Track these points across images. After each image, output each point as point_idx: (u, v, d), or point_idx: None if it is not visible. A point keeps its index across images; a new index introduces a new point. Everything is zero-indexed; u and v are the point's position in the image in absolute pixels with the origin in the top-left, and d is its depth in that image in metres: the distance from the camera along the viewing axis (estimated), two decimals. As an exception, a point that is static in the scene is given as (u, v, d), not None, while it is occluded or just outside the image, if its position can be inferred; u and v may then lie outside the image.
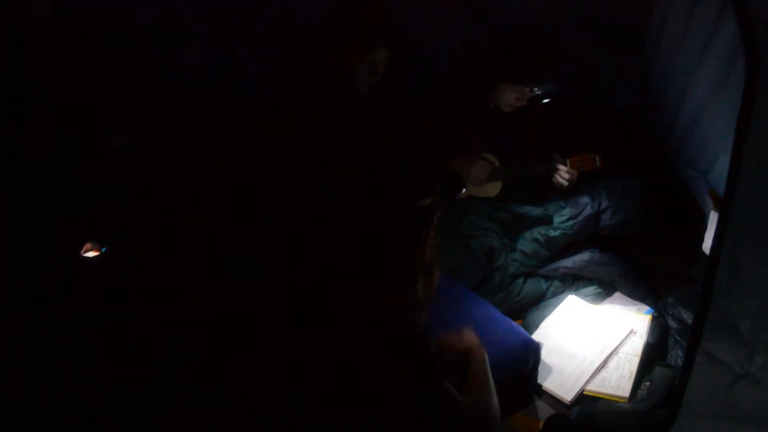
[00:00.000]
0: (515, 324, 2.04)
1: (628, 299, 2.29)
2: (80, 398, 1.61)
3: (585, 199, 2.47)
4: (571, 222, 2.43)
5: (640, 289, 2.30)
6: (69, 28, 2.08)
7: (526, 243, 2.41)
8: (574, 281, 2.37)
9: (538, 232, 2.42)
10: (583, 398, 1.94)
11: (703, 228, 2.17)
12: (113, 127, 2.18)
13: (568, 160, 2.45)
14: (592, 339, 2.09)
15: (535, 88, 2.34)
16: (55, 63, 2.05)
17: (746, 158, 1.10)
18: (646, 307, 2.23)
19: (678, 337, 2.09)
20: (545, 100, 2.41)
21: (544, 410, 1.93)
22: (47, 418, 1.58)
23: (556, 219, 2.45)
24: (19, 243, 1.93)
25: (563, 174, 2.43)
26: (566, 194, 2.52)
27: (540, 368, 2.00)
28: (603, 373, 1.99)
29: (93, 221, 2.07)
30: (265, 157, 2.20)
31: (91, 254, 2.05)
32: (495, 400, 1.46)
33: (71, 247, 2.03)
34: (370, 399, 1.32)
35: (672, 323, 2.15)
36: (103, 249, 2.08)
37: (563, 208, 2.47)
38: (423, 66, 2.47)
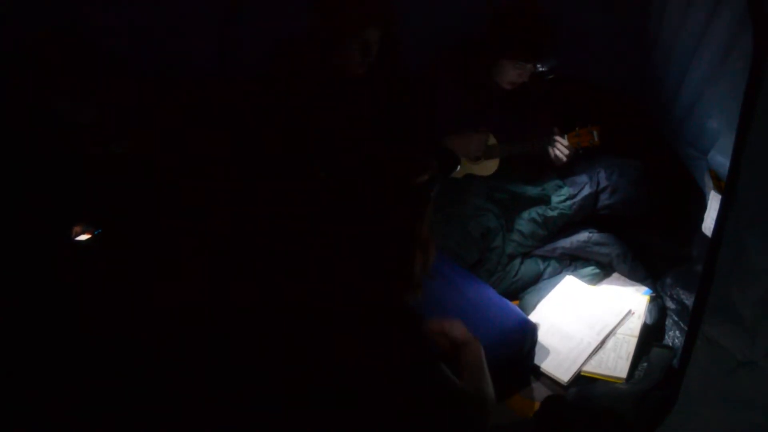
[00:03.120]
0: (512, 304, 2.02)
1: (626, 280, 2.28)
2: (76, 392, 1.59)
3: (583, 179, 2.44)
4: (569, 202, 2.41)
5: (638, 270, 2.28)
6: (63, 35, 2.03)
7: (523, 223, 2.39)
8: (571, 262, 2.35)
9: (535, 212, 2.40)
10: (581, 379, 1.94)
11: (703, 208, 2.15)
12: (113, 133, 2.15)
13: (566, 135, 2.43)
14: (589, 320, 2.08)
15: (537, 65, 2.31)
16: (51, 70, 2.00)
17: (751, 138, 1.07)
18: (644, 288, 2.22)
19: (676, 318, 2.09)
20: (546, 77, 2.38)
21: (541, 391, 1.93)
22: (43, 411, 1.57)
23: (554, 199, 2.43)
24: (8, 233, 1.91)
25: (562, 149, 2.40)
26: (564, 172, 2.50)
27: (537, 349, 1.99)
28: (600, 354, 1.98)
29: (84, 205, 2.04)
30: (261, 140, 2.18)
31: (83, 237, 2.02)
32: (490, 387, 1.44)
33: (61, 232, 2.00)
34: (365, 382, 1.30)
35: (670, 304, 2.14)
36: (96, 231, 2.05)
37: (561, 187, 2.45)
38: (422, 43, 2.43)
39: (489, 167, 2.50)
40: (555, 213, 2.39)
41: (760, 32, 1.05)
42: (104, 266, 1.95)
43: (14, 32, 2.03)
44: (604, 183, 2.41)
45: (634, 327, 2.04)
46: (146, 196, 2.13)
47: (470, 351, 1.53)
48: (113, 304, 1.81)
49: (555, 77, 2.41)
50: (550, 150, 2.43)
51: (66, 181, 2.00)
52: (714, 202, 2.07)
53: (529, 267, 2.32)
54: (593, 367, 1.95)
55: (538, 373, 1.97)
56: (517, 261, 2.33)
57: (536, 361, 1.98)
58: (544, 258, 2.35)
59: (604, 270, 2.32)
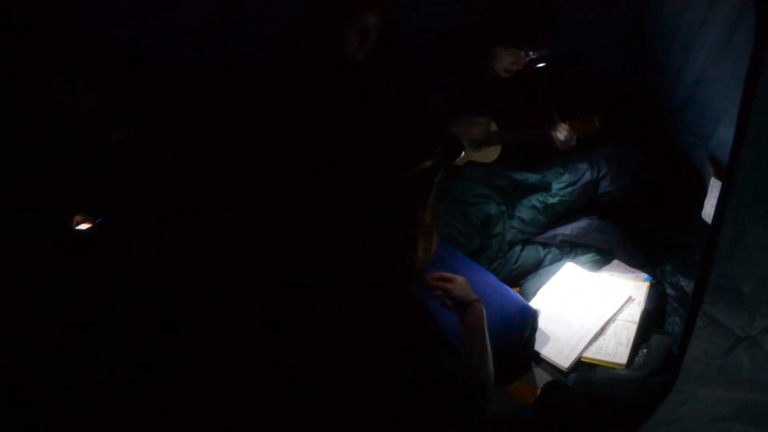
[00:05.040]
0: (513, 291, 2.03)
1: (626, 267, 2.28)
2: (75, 389, 1.59)
3: (584, 166, 2.45)
4: (569, 189, 2.41)
5: (638, 257, 2.28)
6: (61, 23, 2.03)
7: (524, 210, 2.40)
8: (572, 249, 2.35)
9: (536, 199, 2.41)
10: (581, 365, 1.94)
11: (702, 196, 2.15)
12: (111, 122, 2.15)
13: (568, 122, 2.43)
14: (589, 306, 2.09)
15: (531, 52, 2.31)
16: (49, 59, 2.00)
17: (753, 120, 1.07)
18: (644, 275, 2.22)
19: (676, 305, 2.09)
20: (541, 65, 2.38)
21: (542, 377, 1.94)
22: (41, 404, 1.57)
23: (555, 186, 2.43)
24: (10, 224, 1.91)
25: (563, 131, 2.40)
26: (564, 159, 2.50)
27: (537, 335, 2.00)
28: (600, 340, 1.99)
29: (84, 194, 2.05)
30: (259, 131, 2.17)
31: (84, 227, 2.03)
32: (491, 365, 1.44)
33: (61, 221, 2.00)
34: (365, 369, 1.31)
35: (670, 290, 2.15)
36: (98, 221, 2.05)
37: (562, 174, 2.46)
38: (420, 30, 2.43)
39: (490, 154, 2.50)
40: (555, 200, 2.39)
41: (763, 16, 1.04)
42: (105, 255, 1.95)
43: (13, 23, 2.03)
44: (604, 170, 2.42)
45: (634, 313, 2.05)
46: (145, 183, 2.13)
47: (473, 313, 1.54)
48: (115, 293, 1.81)
49: (552, 65, 2.40)
50: (552, 135, 2.43)
51: (65, 170, 2.00)
52: (714, 189, 2.07)
53: (529, 254, 2.32)
54: (593, 353, 1.96)
55: (538, 359, 1.98)
56: (518, 248, 2.33)
57: (537, 347, 1.98)
58: (545, 245, 2.36)
59: (604, 257, 2.33)
